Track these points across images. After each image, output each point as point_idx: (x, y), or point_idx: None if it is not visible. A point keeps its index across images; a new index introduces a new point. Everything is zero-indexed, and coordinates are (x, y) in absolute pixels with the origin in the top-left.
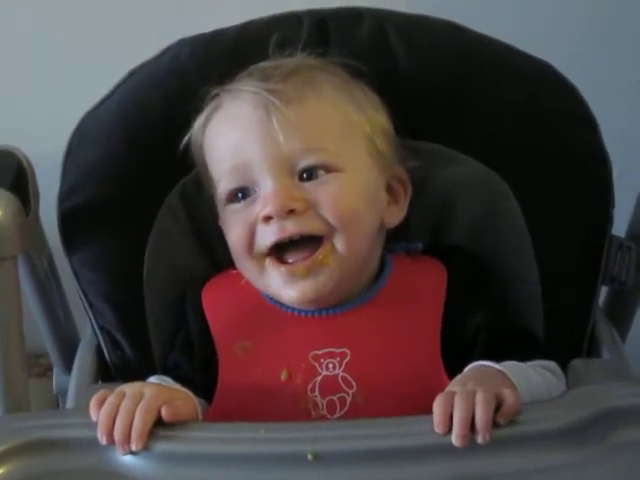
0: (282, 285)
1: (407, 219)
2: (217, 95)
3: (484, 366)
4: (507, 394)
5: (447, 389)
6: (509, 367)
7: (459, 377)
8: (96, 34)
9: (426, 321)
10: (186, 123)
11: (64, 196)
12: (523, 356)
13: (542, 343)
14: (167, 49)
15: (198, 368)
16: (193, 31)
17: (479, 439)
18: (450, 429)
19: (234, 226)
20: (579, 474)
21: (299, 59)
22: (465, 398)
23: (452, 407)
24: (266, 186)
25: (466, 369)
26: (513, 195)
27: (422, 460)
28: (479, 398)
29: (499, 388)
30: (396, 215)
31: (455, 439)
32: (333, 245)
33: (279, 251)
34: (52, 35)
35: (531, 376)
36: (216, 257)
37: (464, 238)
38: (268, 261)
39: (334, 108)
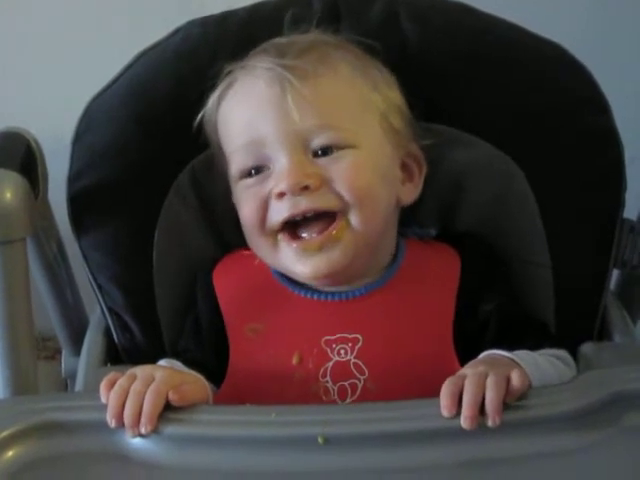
0: (295, 261)
1: (418, 201)
2: (231, 72)
3: (496, 354)
4: (513, 374)
5: (458, 373)
6: (520, 356)
7: (470, 363)
8: (104, 15)
9: (439, 308)
10: (197, 104)
11: (73, 179)
12: (534, 344)
13: (553, 331)
14: (177, 30)
15: (208, 351)
16: (204, 12)
17: (489, 422)
18: (457, 412)
19: (246, 201)
20: (589, 458)
21: (314, 36)
22: (476, 381)
23: (460, 390)
24: (280, 162)
25: (478, 357)
26: (525, 177)
27: (431, 443)
28: (490, 381)
29: (508, 371)
30: (411, 193)
31: (464, 421)
32: (348, 220)
33: (292, 227)
34: (59, 17)
35: (542, 365)
36: (226, 238)
37: (475, 220)
38: (281, 237)
39: (349, 85)
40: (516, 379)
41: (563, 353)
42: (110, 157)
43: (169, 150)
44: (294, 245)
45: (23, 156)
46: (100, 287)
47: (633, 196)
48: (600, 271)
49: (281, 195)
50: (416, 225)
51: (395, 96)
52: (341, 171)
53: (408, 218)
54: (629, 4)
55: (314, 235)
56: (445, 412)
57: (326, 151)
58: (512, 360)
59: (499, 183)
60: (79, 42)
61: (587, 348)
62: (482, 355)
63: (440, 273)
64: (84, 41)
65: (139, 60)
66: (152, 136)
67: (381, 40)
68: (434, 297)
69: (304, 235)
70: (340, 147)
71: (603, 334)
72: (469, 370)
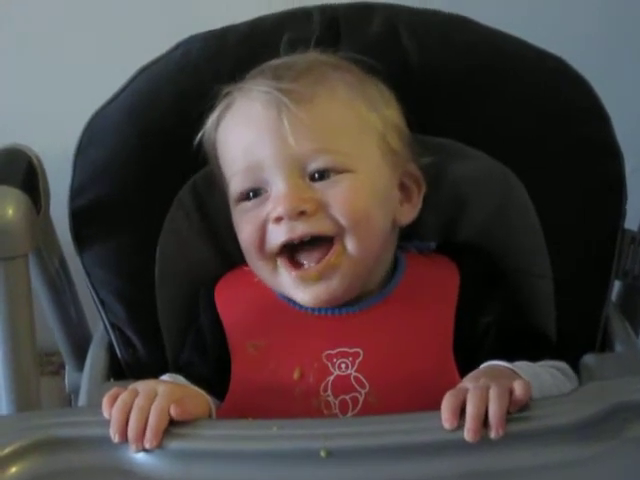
0: (294, 288)
1: (419, 215)
2: (229, 93)
3: (496, 365)
4: (516, 384)
5: (459, 385)
6: (520, 367)
7: (471, 374)
8: (106, 31)
9: (439, 321)
10: (198, 120)
11: (75, 194)
12: (533, 355)
13: (553, 342)
14: (178, 45)
15: (211, 366)
16: (204, 27)
17: (492, 434)
18: (459, 425)
19: (245, 225)
20: (592, 469)
21: (312, 56)
22: (479, 394)
23: (461, 403)
24: (277, 186)
25: (478, 368)
26: (525, 189)
27: (434, 456)
28: (493, 393)
29: (511, 383)
30: (409, 213)
31: (467, 433)
32: (344, 246)
33: (290, 251)
34: (61, 32)
35: (542, 376)
36: (228, 253)
37: (476, 232)
38: (280, 261)
39: (346, 106)
40: (519, 390)
41: (563, 364)
42: (112, 171)
43: (171, 164)
44: (293, 274)
45: (25, 173)
46: (102, 302)
47: (634, 207)
48: (601, 282)
49: (278, 220)
50: (417, 239)
51: (393, 115)
52: (337, 196)
53: (409, 232)
54: (632, 16)
55: (312, 264)
56: (446, 425)
57: (323, 175)
58: (512, 371)
59: (499, 195)
60: (82, 56)
61: (589, 359)
62: (482, 366)
63: (440, 286)
64: (86, 55)
65: (141, 74)
66: (154, 151)
67: (381, 55)
68: (434, 310)
69: (303, 262)
70: (337, 171)
71: (605, 345)
72: (470, 383)
